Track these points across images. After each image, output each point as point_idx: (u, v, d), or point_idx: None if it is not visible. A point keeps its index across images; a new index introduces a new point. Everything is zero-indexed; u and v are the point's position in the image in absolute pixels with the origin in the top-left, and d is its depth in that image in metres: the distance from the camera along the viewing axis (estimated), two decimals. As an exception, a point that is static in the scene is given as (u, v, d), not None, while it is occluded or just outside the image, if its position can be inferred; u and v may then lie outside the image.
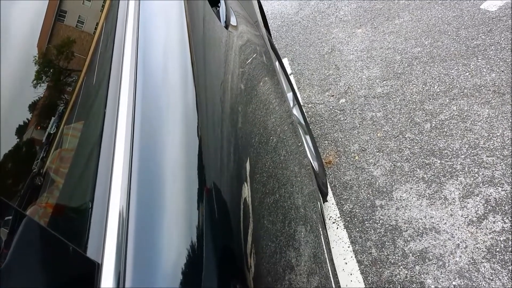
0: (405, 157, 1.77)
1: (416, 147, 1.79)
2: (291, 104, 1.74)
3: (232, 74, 0.74)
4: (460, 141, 1.72)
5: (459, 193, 1.55)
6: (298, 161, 0.96)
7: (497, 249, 1.35)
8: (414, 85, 2.08)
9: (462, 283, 1.31)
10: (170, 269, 0.38)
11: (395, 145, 1.84)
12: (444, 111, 1.88)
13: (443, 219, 1.50)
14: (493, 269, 1.31)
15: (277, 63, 1.54)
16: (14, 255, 0.33)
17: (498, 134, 1.67)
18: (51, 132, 0.45)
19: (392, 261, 1.46)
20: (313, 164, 1.57)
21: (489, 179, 1.54)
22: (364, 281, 1.44)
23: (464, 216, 1.47)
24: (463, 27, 2.28)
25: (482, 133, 1.70)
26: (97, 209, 0.41)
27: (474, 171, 1.59)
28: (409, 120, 1.92)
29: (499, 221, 1.41)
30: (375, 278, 1.44)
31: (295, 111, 1.77)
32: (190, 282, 0.38)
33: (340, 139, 2.01)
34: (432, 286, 1.35)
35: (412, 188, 1.65)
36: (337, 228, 1.64)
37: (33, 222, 0.37)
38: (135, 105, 0.51)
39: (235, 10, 1.09)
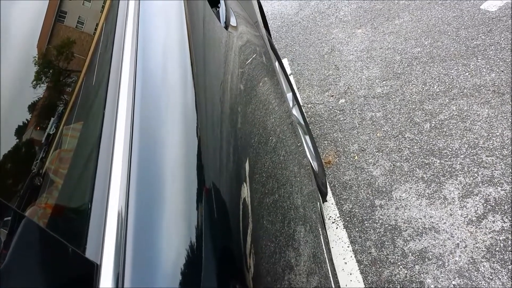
0: (404, 157, 1.77)
1: (415, 147, 1.79)
2: (291, 104, 1.74)
3: (231, 74, 0.74)
4: (459, 141, 1.72)
5: (459, 193, 1.55)
6: (297, 161, 0.96)
7: (497, 249, 1.35)
8: (413, 85, 2.09)
9: (462, 283, 1.31)
10: (169, 270, 0.38)
11: (395, 145, 1.84)
12: (444, 111, 1.88)
13: (443, 219, 1.50)
14: (493, 269, 1.31)
15: (276, 63, 1.54)
16: (13, 256, 0.33)
17: (498, 134, 1.67)
18: (51, 133, 0.45)
19: (391, 260, 1.46)
20: (312, 164, 1.57)
21: (488, 178, 1.54)
22: (363, 281, 1.44)
23: (464, 216, 1.47)
24: (463, 27, 2.28)
25: (482, 133, 1.70)
26: (96, 209, 0.41)
27: (474, 170, 1.59)
28: (409, 120, 1.92)
29: (499, 220, 1.41)
30: (375, 278, 1.44)
31: (295, 111, 1.77)
32: (190, 282, 0.38)
33: (339, 139, 2.01)
34: (432, 286, 1.35)
35: (411, 187, 1.65)
36: (337, 228, 1.64)
37: (32, 223, 0.37)
38: (134, 106, 0.51)
39: (235, 10, 1.09)
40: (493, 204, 1.46)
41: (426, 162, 1.71)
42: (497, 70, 1.93)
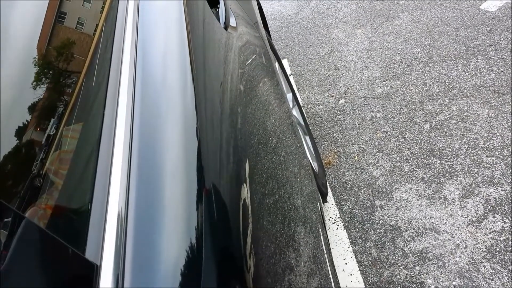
0: (404, 158, 1.77)
1: (415, 147, 1.79)
2: (291, 105, 1.74)
3: (231, 75, 0.74)
4: (459, 141, 1.72)
5: (459, 193, 1.55)
6: (297, 161, 0.96)
7: (497, 249, 1.35)
8: (413, 86, 2.09)
9: (462, 283, 1.31)
10: (169, 271, 0.38)
11: (395, 145, 1.84)
12: (444, 111, 1.88)
13: (443, 219, 1.50)
14: (493, 269, 1.31)
15: (276, 64, 1.54)
16: (13, 257, 0.33)
17: (498, 134, 1.67)
18: (51, 134, 0.45)
19: (392, 261, 1.46)
20: (312, 164, 1.57)
21: (488, 179, 1.54)
22: (364, 282, 1.44)
23: (464, 216, 1.47)
24: (462, 27, 2.28)
25: (482, 133, 1.70)
26: (96, 210, 0.41)
27: (474, 171, 1.59)
28: (409, 120, 1.92)
29: (499, 221, 1.41)
30: (375, 279, 1.43)
31: (295, 112, 1.77)
32: (189, 283, 0.38)
33: (339, 140, 2.01)
34: (432, 286, 1.35)
35: (411, 188, 1.65)
36: (337, 229, 1.64)
37: (32, 224, 0.37)
38: (134, 107, 0.51)
39: (234, 11, 1.09)
40: (493, 205, 1.46)
41: (427, 163, 1.71)
42: (497, 70, 1.93)
